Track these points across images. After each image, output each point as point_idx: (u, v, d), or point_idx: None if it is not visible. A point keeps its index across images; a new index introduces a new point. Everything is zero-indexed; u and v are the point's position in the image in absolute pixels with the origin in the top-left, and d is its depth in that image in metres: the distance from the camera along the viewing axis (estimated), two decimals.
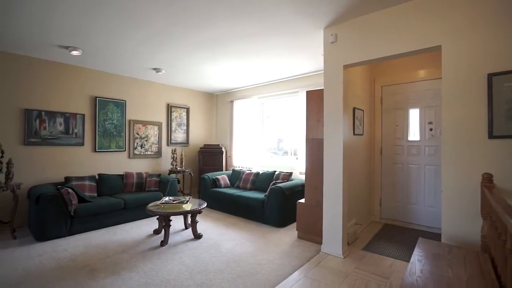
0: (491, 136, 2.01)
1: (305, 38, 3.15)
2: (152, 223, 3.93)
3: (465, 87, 2.13)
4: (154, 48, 3.46)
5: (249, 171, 5.01)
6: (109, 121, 4.64)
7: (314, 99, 3.30)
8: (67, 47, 3.44)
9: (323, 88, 3.06)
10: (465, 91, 2.13)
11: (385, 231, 3.63)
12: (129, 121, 4.92)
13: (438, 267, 1.51)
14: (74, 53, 3.54)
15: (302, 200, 3.44)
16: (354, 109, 3.38)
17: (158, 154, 5.37)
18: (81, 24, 2.81)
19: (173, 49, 3.52)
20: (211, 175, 5.07)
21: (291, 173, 4.46)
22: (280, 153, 5.45)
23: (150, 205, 3.39)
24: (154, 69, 4.41)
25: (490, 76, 1.99)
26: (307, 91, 3.39)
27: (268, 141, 5.58)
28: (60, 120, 4.07)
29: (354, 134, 3.42)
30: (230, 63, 4.09)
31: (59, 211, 3.27)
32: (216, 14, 2.57)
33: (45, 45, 3.38)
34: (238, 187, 4.91)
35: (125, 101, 4.83)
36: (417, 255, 1.67)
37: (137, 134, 5.05)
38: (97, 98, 4.47)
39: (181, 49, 3.50)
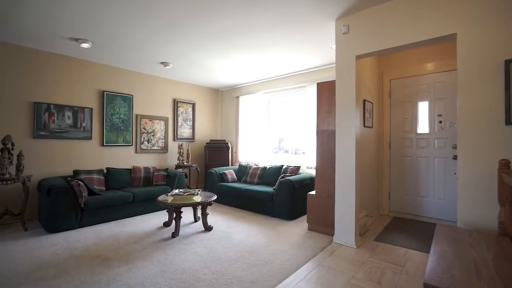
0: (508, 122, 2.01)
1: (315, 30, 3.15)
2: (160, 216, 3.93)
3: (481, 75, 2.13)
4: (164, 40, 3.46)
5: (256, 166, 5.01)
6: (116, 115, 4.64)
7: (325, 91, 3.31)
8: (77, 40, 3.44)
9: (332, 80, 3.07)
10: (481, 79, 2.13)
11: (395, 224, 3.63)
12: (136, 115, 4.92)
13: (461, 249, 1.52)
14: (84, 45, 3.55)
15: (313, 192, 3.44)
16: (364, 101, 3.39)
17: (165, 149, 5.37)
18: (92, 16, 2.81)
19: (183, 41, 3.52)
20: (218, 169, 5.07)
21: (299, 167, 4.46)
22: (281, 152, 5.45)
23: (160, 197, 3.39)
24: (162, 63, 4.42)
25: (508, 63, 1.99)
26: (317, 83, 3.40)
27: (273, 137, 5.58)
28: (68, 113, 4.07)
29: (364, 126, 3.42)
30: (239, 56, 4.09)
31: (69, 203, 3.27)
32: (230, 4, 2.57)
33: (55, 38, 3.38)
34: (245, 182, 4.91)
35: (132, 95, 4.83)
36: (438, 238, 1.68)
37: (144, 129, 5.05)
38: (105, 92, 4.47)
39: (192, 41, 3.50)
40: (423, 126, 3.81)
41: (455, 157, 3.45)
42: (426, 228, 3.39)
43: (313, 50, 3.78)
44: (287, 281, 2.13)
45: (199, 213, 3.71)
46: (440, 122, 3.66)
